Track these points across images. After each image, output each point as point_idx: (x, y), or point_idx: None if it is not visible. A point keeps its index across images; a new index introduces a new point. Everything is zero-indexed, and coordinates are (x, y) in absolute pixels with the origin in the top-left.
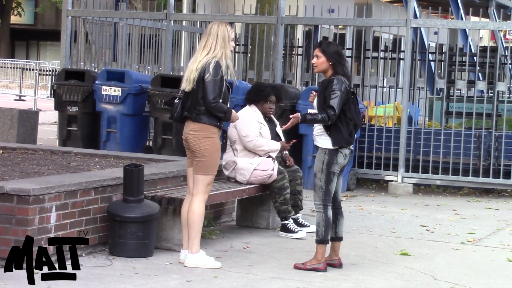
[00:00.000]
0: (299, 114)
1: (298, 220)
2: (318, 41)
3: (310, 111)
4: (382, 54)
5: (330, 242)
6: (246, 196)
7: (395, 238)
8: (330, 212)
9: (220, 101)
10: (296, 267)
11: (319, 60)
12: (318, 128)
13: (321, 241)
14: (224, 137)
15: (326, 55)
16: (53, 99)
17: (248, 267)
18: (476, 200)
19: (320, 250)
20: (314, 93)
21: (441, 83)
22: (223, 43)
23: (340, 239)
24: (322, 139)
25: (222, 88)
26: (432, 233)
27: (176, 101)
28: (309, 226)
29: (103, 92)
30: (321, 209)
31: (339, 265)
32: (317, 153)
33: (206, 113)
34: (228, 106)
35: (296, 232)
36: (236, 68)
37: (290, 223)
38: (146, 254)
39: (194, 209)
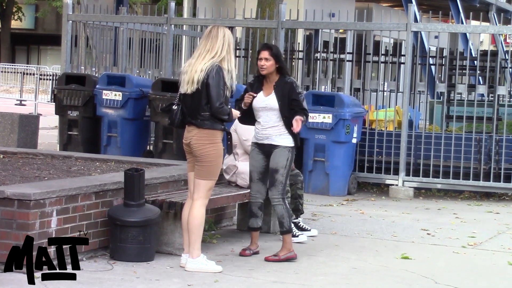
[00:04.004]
0: (299, 117)
1: (299, 224)
2: (319, 45)
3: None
4: (382, 58)
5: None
6: (247, 200)
7: (396, 242)
8: (287, 202)
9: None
10: (269, 260)
11: (269, 63)
12: (277, 129)
13: (288, 231)
14: (228, 139)
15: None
16: (54, 103)
17: (249, 271)
18: (477, 204)
19: (288, 239)
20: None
21: (441, 87)
22: (229, 48)
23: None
24: (283, 138)
25: (225, 92)
26: (433, 236)
27: (175, 107)
28: (310, 230)
29: (104, 97)
30: (281, 202)
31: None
32: (280, 151)
33: (211, 118)
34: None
35: (297, 236)
36: (236, 72)
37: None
38: (147, 258)
39: (195, 214)
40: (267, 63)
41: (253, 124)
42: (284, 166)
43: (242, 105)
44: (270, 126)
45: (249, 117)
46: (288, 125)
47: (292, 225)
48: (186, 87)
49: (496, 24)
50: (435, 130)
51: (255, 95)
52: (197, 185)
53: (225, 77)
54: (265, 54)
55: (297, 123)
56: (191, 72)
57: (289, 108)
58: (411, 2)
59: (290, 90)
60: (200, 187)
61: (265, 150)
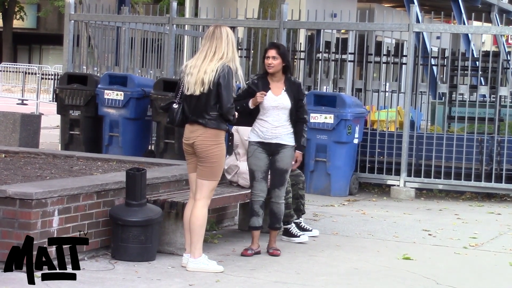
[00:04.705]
0: (300, 153)
1: (301, 224)
2: (320, 45)
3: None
4: (384, 59)
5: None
6: (248, 200)
7: (397, 242)
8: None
9: None
10: (276, 254)
11: (276, 61)
12: (285, 128)
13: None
14: (230, 139)
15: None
16: (56, 103)
17: (250, 271)
18: (478, 205)
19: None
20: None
21: (443, 88)
22: (232, 47)
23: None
24: (290, 137)
25: (233, 92)
26: (435, 237)
27: (175, 105)
28: (311, 230)
29: (106, 96)
30: (283, 200)
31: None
32: (288, 151)
33: (218, 118)
34: None
35: (299, 236)
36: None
37: (293, 227)
38: (149, 258)
39: (198, 214)
40: (274, 61)
41: (248, 125)
42: (291, 166)
43: (250, 104)
44: (280, 125)
45: (247, 118)
46: (294, 125)
47: (294, 225)
48: (194, 88)
49: (498, 25)
50: (436, 130)
51: (266, 94)
52: (200, 186)
53: (233, 78)
54: (272, 52)
55: (296, 163)
56: (199, 73)
57: (295, 108)
58: (413, 3)
59: (298, 91)
60: (203, 188)
61: (271, 149)
